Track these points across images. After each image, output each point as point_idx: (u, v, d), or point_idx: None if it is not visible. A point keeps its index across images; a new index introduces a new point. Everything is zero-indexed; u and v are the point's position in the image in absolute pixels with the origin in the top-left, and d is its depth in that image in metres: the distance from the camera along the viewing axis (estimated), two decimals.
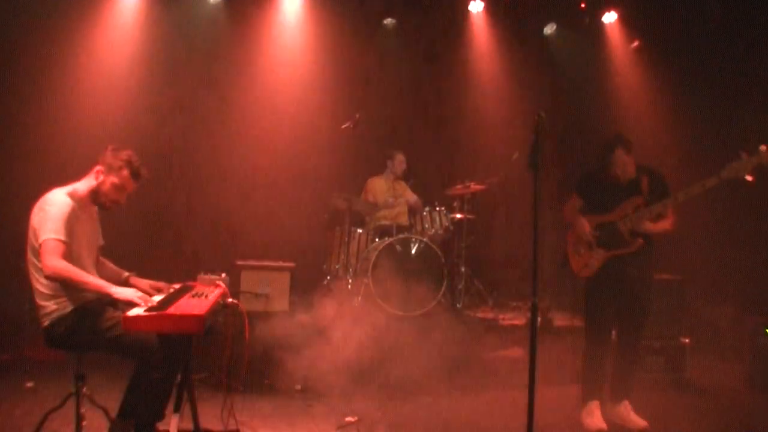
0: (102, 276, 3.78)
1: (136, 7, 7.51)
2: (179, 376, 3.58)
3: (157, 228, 7.51)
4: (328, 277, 7.02)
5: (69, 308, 3.55)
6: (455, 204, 7.17)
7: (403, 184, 7.68)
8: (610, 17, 8.44)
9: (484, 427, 4.73)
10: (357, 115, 6.90)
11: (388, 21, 8.65)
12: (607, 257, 4.65)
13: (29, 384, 5.12)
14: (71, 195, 3.65)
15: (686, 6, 7.58)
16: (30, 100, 6.89)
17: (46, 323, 3.55)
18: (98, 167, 3.74)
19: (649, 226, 4.56)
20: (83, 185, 3.75)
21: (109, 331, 3.52)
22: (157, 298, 3.65)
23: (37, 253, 3.48)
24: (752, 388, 5.74)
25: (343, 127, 6.92)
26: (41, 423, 3.70)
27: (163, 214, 7.56)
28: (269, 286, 6.13)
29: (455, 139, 8.67)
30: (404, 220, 7.46)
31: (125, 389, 3.72)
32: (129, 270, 4.04)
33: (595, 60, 8.61)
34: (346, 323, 6.00)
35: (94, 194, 3.75)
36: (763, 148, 4.17)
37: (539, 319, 4.77)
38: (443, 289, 6.54)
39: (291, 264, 6.41)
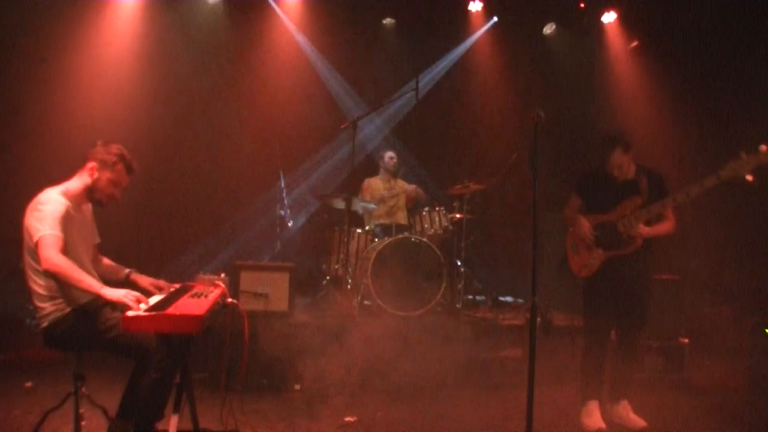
0: (101, 274, 3.77)
1: (135, 7, 7.51)
2: (178, 376, 3.57)
3: (155, 228, 7.50)
4: (328, 277, 7.02)
5: (67, 309, 3.54)
6: (454, 204, 7.17)
7: (401, 181, 7.70)
8: (609, 17, 8.45)
9: (483, 426, 4.73)
10: (356, 116, 6.90)
11: (388, 21, 8.66)
12: (606, 257, 4.64)
13: (28, 384, 5.12)
14: (65, 194, 3.63)
15: (685, 6, 7.58)
16: (28, 99, 6.90)
17: (44, 324, 3.54)
18: (91, 164, 3.71)
19: (645, 230, 4.53)
20: (76, 183, 3.72)
21: (108, 332, 3.52)
22: (156, 298, 3.64)
23: (34, 254, 3.46)
24: (751, 388, 5.74)
25: (343, 127, 6.92)
26: (40, 423, 3.70)
27: (162, 214, 7.56)
28: (268, 286, 6.12)
29: (454, 138, 8.68)
30: (403, 219, 7.47)
31: (124, 389, 3.72)
32: (129, 267, 4.04)
33: (595, 60, 8.62)
34: (346, 323, 6.00)
35: (90, 191, 3.72)
36: (763, 148, 4.13)
37: (539, 319, 4.78)
38: (442, 288, 6.54)
39: (290, 264, 6.41)
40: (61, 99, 7.02)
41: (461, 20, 8.60)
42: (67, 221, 3.52)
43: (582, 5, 8.33)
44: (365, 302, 6.47)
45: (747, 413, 5.21)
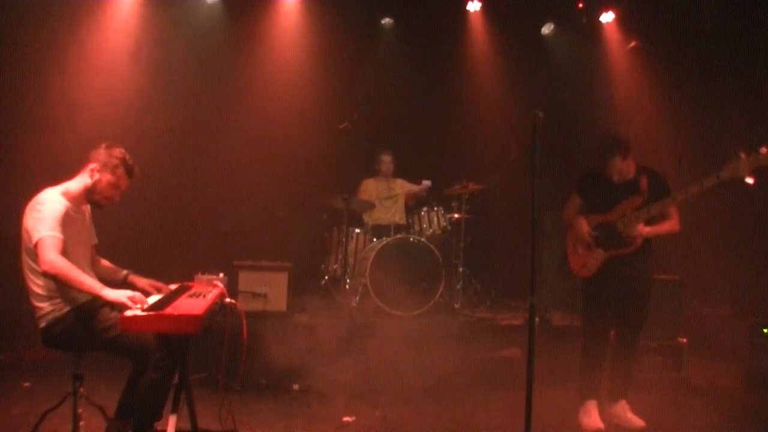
0: (99, 275, 3.77)
1: (133, 6, 7.50)
2: (177, 376, 3.57)
3: (154, 228, 7.49)
4: (326, 277, 7.02)
5: (65, 309, 3.54)
6: (453, 204, 7.17)
7: (399, 181, 7.70)
8: (607, 17, 8.45)
9: (482, 426, 4.73)
10: (355, 115, 6.91)
11: (386, 21, 8.66)
12: (605, 257, 4.64)
13: (26, 384, 5.11)
14: (64, 194, 3.63)
15: (683, 6, 7.58)
16: (27, 99, 6.88)
17: (42, 324, 3.54)
18: (92, 165, 3.72)
19: (645, 229, 4.53)
20: (76, 184, 3.73)
21: (106, 332, 3.51)
22: (155, 298, 3.64)
23: (32, 254, 3.46)
24: (750, 388, 5.75)
25: (341, 127, 6.92)
26: (38, 423, 3.69)
27: (160, 214, 7.55)
28: (267, 286, 6.12)
29: (453, 138, 8.68)
30: (402, 219, 7.47)
31: (123, 389, 3.72)
32: (127, 268, 4.04)
33: (593, 60, 8.62)
34: (344, 324, 6.00)
35: (89, 192, 3.73)
36: (763, 149, 4.09)
37: (537, 319, 4.77)
38: (441, 289, 6.54)
39: (289, 264, 6.41)
40: (59, 99, 7.01)
41: (460, 20, 8.60)
42: (66, 222, 3.52)
43: (580, 5, 8.32)
44: (363, 302, 6.46)
45: (745, 413, 5.21)
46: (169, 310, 3.24)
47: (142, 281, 3.93)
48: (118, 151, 3.77)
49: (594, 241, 4.67)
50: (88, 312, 3.56)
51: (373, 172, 7.67)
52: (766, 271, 6.73)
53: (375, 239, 6.96)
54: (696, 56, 7.59)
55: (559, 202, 5.11)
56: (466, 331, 6.14)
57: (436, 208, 7.07)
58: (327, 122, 7.53)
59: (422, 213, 7.08)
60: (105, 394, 3.94)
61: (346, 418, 4.71)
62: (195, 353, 5.04)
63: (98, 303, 3.59)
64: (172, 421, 3.39)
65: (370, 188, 7.55)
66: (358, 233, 7.04)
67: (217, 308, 3.69)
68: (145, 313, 3.17)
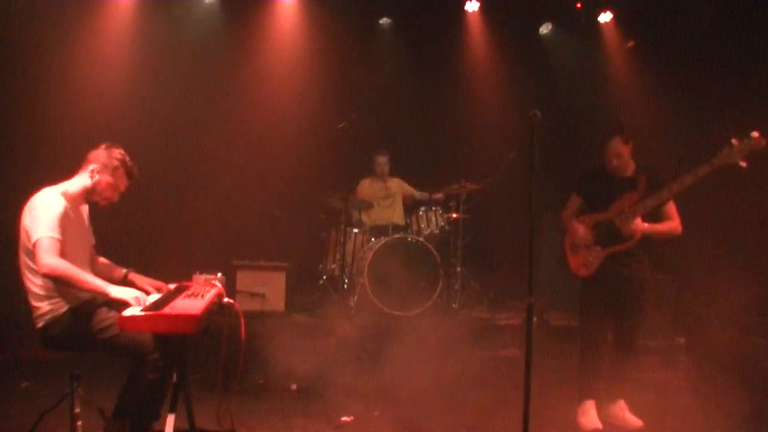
0: (98, 274, 3.77)
1: (131, 6, 7.49)
2: (175, 376, 3.57)
3: (152, 227, 7.49)
4: (324, 277, 7.02)
5: (63, 309, 3.54)
6: (451, 204, 7.18)
7: (396, 180, 7.70)
8: (605, 17, 8.45)
9: (480, 426, 4.73)
10: (353, 115, 6.91)
11: (384, 21, 8.66)
12: (605, 255, 4.64)
13: (24, 384, 5.10)
14: (63, 194, 3.63)
15: (680, 6, 7.59)
16: (26, 98, 6.88)
17: (40, 324, 3.54)
18: (92, 166, 3.72)
19: (641, 224, 4.52)
20: (75, 184, 3.73)
21: (104, 332, 3.51)
22: (153, 297, 3.64)
23: (31, 254, 3.46)
24: (748, 388, 5.75)
25: (339, 126, 6.92)
26: (36, 423, 3.68)
27: (158, 213, 7.55)
28: (265, 286, 6.13)
29: (451, 138, 8.68)
30: (400, 219, 7.47)
31: (121, 389, 3.71)
32: (127, 268, 4.03)
33: (591, 60, 8.63)
34: (342, 323, 6.01)
35: (89, 193, 3.73)
36: (755, 134, 4.20)
37: (536, 319, 4.76)
38: (439, 289, 6.54)
39: (287, 264, 6.41)
40: (58, 99, 7.00)
41: (458, 20, 8.60)
42: (65, 222, 3.52)
43: (578, 5, 8.33)
44: (362, 302, 6.46)
45: (744, 413, 5.21)
46: (166, 310, 3.24)
47: (142, 280, 3.93)
48: (118, 152, 3.78)
49: (593, 239, 4.68)
50: (85, 312, 3.56)
51: (370, 171, 7.68)
52: (766, 270, 6.73)
53: (373, 239, 6.97)
54: (694, 56, 7.59)
55: (557, 202, 5.11)
56: (464, 331, 6.15)
57: (434, 208, 7.08)
58: (325, 122, 7.53)
59: (420, 213, 7.08)
60: (103, 394, 3.93)
61: (344, 418, 4.71)
62: (193, 353, 5.03)
63: (96, 303, 3.59)
64: (170, 421, 3.39)
65: (367, 188, 7.56)
66: (356, 233, 7.04)
67: (216, 308, 3.69)
68: (142, 313, 3.17)
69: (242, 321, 3.72)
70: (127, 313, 3.19)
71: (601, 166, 4.74)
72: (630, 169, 4.67)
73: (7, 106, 6.80)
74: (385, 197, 7.57)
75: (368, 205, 7.21)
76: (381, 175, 7.60)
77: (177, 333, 3.25)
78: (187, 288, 3.91)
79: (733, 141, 4.23)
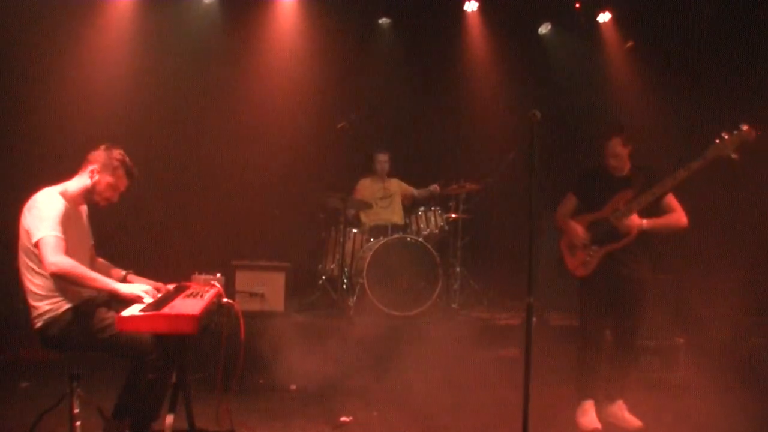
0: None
1: (130, 6, 7.49)
2: (174, 376, 3.57)
3: (151, 227, 7.49)
4: (324, 277, 7.02)
5: (62, 309, 3.54)
6: (450, 204, 7.18)
7: (395, 181, 7.69)
8: (604, 17, 8.45)
9: (479, 426, 4.73)
10: (353, 115, 6.91)
11: (383, 21, 8.66)
12: (603, 254, 4.64)
13: (24, 384, 5.10)
14: (62, 194, 3.64)
15: (680, 6, 7.59)
16: (26, 98, 6.87)
17: (39, 324, 3.53)
18: (92, 166, 3.73)
19: (638, 221, 4.50)
20: (75, 184, 3.73)
21: (103, 332, 3.51)
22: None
23: (31, 253, 3.46)
24: (747, 388, 5.75)
25: (339, 126, 6.92)
26: (35, 423, 3.68)
27: (157, 213, 7.54)
28: (264, 286, 6.12)
29: (451, 138, 8.67)
30: (399, 219, 7.47)
31: (120, 389, 3.71)
32: (124, 268, 4.03)
33: (590, 60, 8.63)
34: (341, 323, 6.00)
35: (89, 193, 3.74)
36: (744, 126, 4.23)
37: (535, 319, 4.77)
38: (438, 289, 6.54)
39: (286, 264, 6.41)
40: (58, 99, 7.00)
41: (457, 20, 8.60)
42: (65, 222, 3.53)
43: (577, 5, 8.33)
44: (361, 302, 6.46)
45: (744, 413, 5.21)
46: (166, 310, 3.24)
47: (141, 281, 3.93)
48: (118, 153, 3.78)
49: (589, 239, 4.68)
50: (84, 312, 3.56)
51: (370, 171, 7.67)
52: (766, 270, 6.73)
53: (372, 239, 6.96)
54: (693, 56, 7.60)
55: (557, 202, 5.11)
56: (463, 331, 6.14)
57: (433, 208, 7.08)
58: (325, 122, 7.53)
59: (420, 213, 7.08)
60: (103, 394, 3.93)
61: (343, 418, 4.71)
62: (193, 353, 5.02)
63: (96, 302, 3.59)
64: (169, 421, 3.39)
65: (366, 188, 7.55)
66: (355, 233, 7.04)
67: (215, 308, 3.69)
68: (142, 313, 3.17)
69: (242, 321, 3.73)
70: (125, 313, 3.19)
71: (599, 166, 4.75)
72: (626, 168, 4.68)
73: (7, 106, 6.80)
74: (384, 197, 7.56)
75: (367, 205, 7.20)
76: (381, 174, 7.59)
77: (176, 333, 3.25)
78: (186, 288, 3.91)
79: (724, 134, 4.28)
